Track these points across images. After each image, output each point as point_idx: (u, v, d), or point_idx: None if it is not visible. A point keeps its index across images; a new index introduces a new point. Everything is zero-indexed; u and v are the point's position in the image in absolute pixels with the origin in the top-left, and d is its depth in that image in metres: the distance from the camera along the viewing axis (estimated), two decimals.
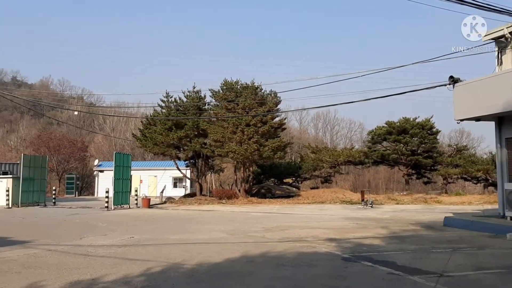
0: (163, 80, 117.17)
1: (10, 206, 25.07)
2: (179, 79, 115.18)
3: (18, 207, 25.40)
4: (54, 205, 27.45)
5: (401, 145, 38.60)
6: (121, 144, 60.64)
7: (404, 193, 36.22)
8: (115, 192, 24.51)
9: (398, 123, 38.96)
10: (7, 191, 25.24)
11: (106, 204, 24.03)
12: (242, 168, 31.19)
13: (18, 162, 28.35)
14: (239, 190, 31.10)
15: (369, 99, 19.74)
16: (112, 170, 41.21)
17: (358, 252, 9.75)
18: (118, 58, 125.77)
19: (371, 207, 24.72)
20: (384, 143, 41.06)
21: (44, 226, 16.06)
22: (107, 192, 24.35)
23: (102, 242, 11.46)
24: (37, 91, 75.85)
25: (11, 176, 26.38)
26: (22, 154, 28.82)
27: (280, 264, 8.44)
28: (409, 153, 38.43)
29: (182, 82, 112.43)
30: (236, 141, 28.43)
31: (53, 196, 28.85)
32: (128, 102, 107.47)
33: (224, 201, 28.80)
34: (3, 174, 27.08)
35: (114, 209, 23.86)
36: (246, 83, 30.85)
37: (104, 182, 43.60)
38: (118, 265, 8.30)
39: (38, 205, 26.71)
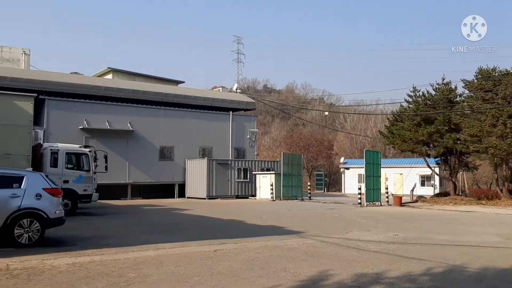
0: (401, 76, 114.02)
1: (274, 199, 28.21)
2: (419, 73, 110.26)
3: (280, 200, 28.33)
4: (310, 199, 29.66)
5: None
6: (361, 142, 61.44)
7: None
8: (367, 189, 24.92)
9: None
10: (271, 185, 28.48)
11: (359, 201, 24.69)
12: (504, 166, 27.73)
13: (278, 160, 31.63)
14: (501, 190, 27.74)
15: None
16: (357, 167, 42.46)
17: None
18: (351, 57, 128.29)
19: None
20: None
21: (309, 219, 17.43)
22: (359, 189, 25.00)
23: (368, 238, 11.74)
24: (284, 96, 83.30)
25: (273, 172, 29.66)
26: (282, 153, 32.12)
27: None
28: None
29: (423, 76, 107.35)
30: (497, 135, 25.40)
31: (308, 191, 31.22)
32: (367, 100, 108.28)
33: (483, 201, 26.11)
34: (266, 171, 30.63)
35: (366, 206, 24.32)
36: (506, 69, 27.32)
37: (350, 179, 44.98)
38: (395, 262, 8.34)
39: (296, 199, 29.27)
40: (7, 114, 14.16)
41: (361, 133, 63.41)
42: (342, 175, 47.52)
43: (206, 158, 29.66)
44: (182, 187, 30.69)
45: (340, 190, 48.20)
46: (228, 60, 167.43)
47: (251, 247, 9.83)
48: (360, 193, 24.92)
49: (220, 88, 39.77)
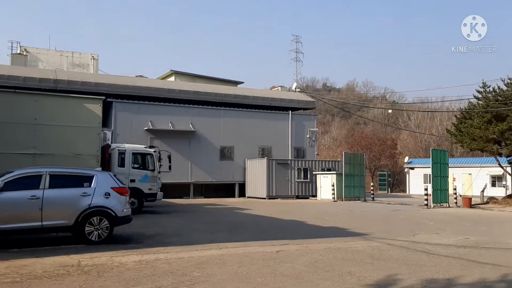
0: (469, 71, 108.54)
1: (335, 199, 27.74)
2: (488, 67, 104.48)
3: (342, 200, 27.79)
4: (373, 200, 28.86)
5: None
6: (426, 141, 59.10)
7: None
8: (434, 190, 23.88)
9: None
10: (332, 186, 28.00)
11: (425, 202, 23.72)
12: None
13: (339, 159, 31.05)
14: None
15: None
16: (423, 167, 40.78)
17: None
18: (414, 53, 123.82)
19: None
20: None
21: (373, 220, 16.90)
22: (425, 189, 24.00)
23: (437, 241, 11.19)
24: (344, 94, 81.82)
25: (334, 172, 29.14)
26: (343, 152, 31.53)
27: None
28: None
29: (492, 70, 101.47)
30: None
31: (371, 192, 30.41)
32: (432, 97, 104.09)
33: None
34: (327, 171, 30.17)
35: (433, 207, 23.31)
36: None
37: (415, 179, 43.29)
38: (467, 267, 7.88)
39: (358, 200, 28.59)
40: (78, 116, 14.93)
41: (426, 131, 61.06)
42: (407, 175, 45.83)
43: (265, 158, 29.71)
44: (242, 186, 30.95)
45: (404, 190, 46.56)
46: (287, 60, 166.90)
47: (313, 249, 9.66)
48: (426, 194, 23.92)
49: (279, 87, 39.73)
